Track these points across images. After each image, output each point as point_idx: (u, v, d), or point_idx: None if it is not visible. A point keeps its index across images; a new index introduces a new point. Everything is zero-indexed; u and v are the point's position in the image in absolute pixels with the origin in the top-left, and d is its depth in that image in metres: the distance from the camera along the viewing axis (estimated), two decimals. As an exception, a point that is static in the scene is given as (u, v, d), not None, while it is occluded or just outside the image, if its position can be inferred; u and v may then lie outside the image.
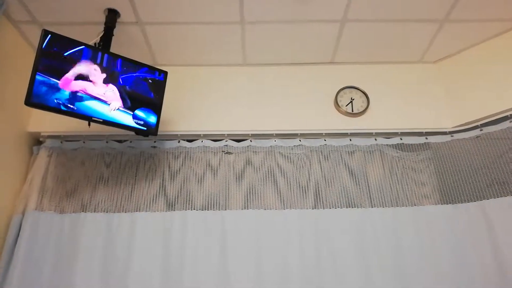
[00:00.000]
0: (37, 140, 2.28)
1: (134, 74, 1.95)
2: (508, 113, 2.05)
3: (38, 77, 1.67)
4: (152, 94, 1.98)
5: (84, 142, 2.26)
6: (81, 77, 1.79)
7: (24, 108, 2.13)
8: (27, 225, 1.97)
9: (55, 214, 2.06)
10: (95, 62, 1.83)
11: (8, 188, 2.04)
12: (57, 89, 1.71)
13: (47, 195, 2.11)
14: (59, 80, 1.72)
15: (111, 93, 1.86)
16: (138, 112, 1.92)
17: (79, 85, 1.77)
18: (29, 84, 1.65)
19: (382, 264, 1.91)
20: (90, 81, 1.81)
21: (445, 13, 2.07)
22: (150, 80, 1.99)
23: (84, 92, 1.78)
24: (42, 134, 2.23)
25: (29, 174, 2.14)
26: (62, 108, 1.72)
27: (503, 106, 2.05)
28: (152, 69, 2.01)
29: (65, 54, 1.75)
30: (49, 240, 1.98)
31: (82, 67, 1.79)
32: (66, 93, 1.73)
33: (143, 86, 1.97)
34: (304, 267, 1.91)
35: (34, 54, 1.70)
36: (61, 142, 2.26)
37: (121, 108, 1.88)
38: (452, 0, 1.99)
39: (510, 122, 2.04)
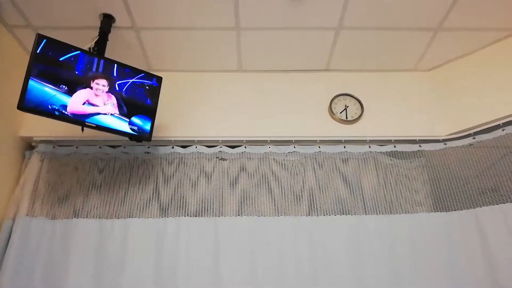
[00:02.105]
0: (29, 145, 2.25)
1: (131, 80, 1.94)
2: (500, 122, 2.06)
3: (32, 82, 1.66)
4: (149, 101, 1.98)
5: (77, 147, 2.24)
6: (83, 86, 1.79)
7: (16, 112, 2.11)
8: (17, 231, 1.95)
9: (46, 220, 2.03)
10: (91, 68, 1.83)
11: (-1, 193, 2.02)
12: (56, 97, 1.71)
13: (38, 200, 2.08)
14: (67, 96, 1.73)
15: (108, 100, 1.85)
16: (135, 120, 1.91)
17: (84, 97, 1.77)
18: (22, 89, 1.64)
19: (376, 271, 1.91)
20: (91, 88, 1.81)
21: (439, 21, 2.09)
22: (147, 87, 1.98)
23: (88, 102, 1.78)
24: (34, 138, 2.21)
25: (21, 179, 2.11)
26: (56, 113, 1.71)
27: (496, 115, 2.06)
28: (148, 75, 2.00)
29: (60, 59, 1.75)
30: (40, 247, 1.95)
31: (83, 76, 1.79)
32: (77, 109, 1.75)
33: (140, 93, 1.96)
34: (298, 275, 1.90)
35: (28, 59, 1.69)
36: (54, 147, 2.24)
37: (116, 115, 1.87)
38: (446, 9, 2.01)
39: (503, 130, 2.06)
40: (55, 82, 1.72)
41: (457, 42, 2.22)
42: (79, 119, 1.77)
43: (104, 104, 1.82)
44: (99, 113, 1.82)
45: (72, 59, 1.78)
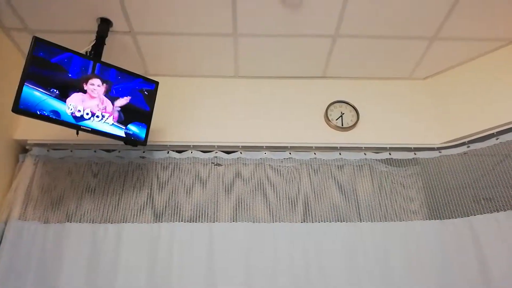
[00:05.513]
0: (23, 148, 2.24)
1: (129, 85, 1.91)
2: (494, 130, 2.08)
3: (27, 84, 1.64)
4: (148, 107, 1.94)
5: (71, 151, 2.23)
6: (77, 89, 1.76)
7: (11, 115, 2.09)
8: (9, 235, 1.93)
9: (39, 223, 2.01)
10: (87, 71, 1.81)
11: (-9, 197, 1.99)
12: (48, 101, 1.68)
13: (31, 204, 2.06)
14: (63, 99, 1.70)
15: (104, 105, 1.84)
16: (132, 127, 1.88)
17: (76, 99, 1.74)
18: (17, 91, 1.62)
19: (370, 278, 1.91)
20: (85, 92, 1.78)
21: (435, 30, 2.11)
22: (146, 92, 1.95)
23: (80, 105, 1.76)
24: (28, 142, 2.19)
25: (14, 183, 2.09)
26: (44, 117, 1.68)
27: (490, 124, 2.08)
28: (146, 80, 1.99)
29: (53, 61, 1.73)
30: (32, 251, 1.93)
31: (78, 79, 1.77)
32: (67, 111, 1.71)
33: (139, 98, 1.93)
34: (293, 282, 1.89)
35: (24, 62, 1.68)
36: (48, 150, 2.22)
37: (112, 121, 1.85)
38: (442, 18, 2.04)
39: (496, 139, 2.07)
40: (47, 86, 1.68)
41: (453, 51, 2.24)
42: (74, 123, 1.75)
43: (99, 107, 1.80)
44: (93, 117, 1.79)
45: (66, 62, 1.76)
